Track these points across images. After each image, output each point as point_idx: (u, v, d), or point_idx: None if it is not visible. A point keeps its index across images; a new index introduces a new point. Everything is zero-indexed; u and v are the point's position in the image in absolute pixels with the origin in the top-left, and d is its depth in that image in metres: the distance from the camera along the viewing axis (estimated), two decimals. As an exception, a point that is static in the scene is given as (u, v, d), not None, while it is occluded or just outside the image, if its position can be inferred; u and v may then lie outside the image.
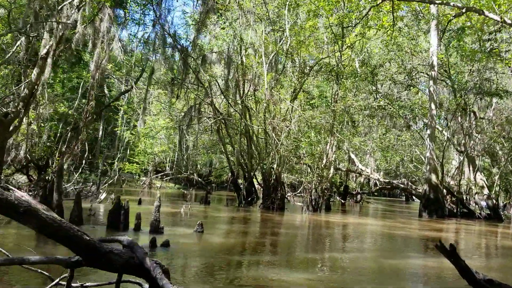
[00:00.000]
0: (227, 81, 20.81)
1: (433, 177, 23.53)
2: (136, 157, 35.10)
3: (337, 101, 19.59)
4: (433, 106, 23.80)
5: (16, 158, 18.53)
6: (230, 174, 36.66)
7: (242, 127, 21.04)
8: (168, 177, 32.75)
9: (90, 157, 17.92)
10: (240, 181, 24.79)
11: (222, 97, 21.66)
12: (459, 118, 26.37)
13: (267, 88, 18.81)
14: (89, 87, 17.66)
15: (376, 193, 47.21)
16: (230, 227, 12.32)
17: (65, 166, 16.22)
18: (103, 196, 15.38)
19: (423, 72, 26.50)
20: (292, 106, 18.88)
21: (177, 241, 8.18)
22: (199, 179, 33.63)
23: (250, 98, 22.17)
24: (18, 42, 16.58)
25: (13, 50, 16.46)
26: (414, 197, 60.28)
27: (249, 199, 21.20)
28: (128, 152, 33.35)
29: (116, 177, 24.87)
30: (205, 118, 22.58)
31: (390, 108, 26.33)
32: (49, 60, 15.83)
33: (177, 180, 40.38)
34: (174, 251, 7.32)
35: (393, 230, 14.47)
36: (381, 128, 32.26)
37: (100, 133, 21.62)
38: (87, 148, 18.74)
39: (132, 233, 8.75)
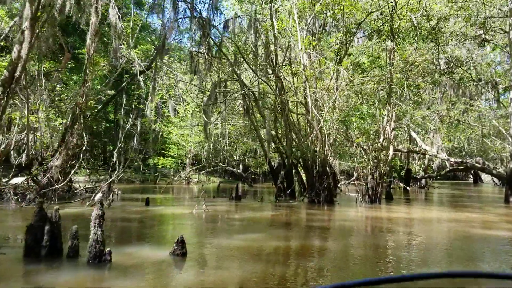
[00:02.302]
0: (255, 49, 17.03)
1: (523, 152, 18.56)
2: (171, 151, 32.26)
3: (393, 63, 15.27)
4: (518, 63, 18.77)
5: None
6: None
7: (276, 103, 17.26)
8: (204, 171, 29.59)
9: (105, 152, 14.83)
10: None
11: (252, 72, 17.91)
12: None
13: (301, 49, 14.84)
14: (85, 65, 14.58)
15: (439, 177, 41.77)
16: (242, 239, 7.90)
17: (57, 163, 13.22)
18: (98, 197, 12.15)
19: (497, 28, 21.27)
20: (337, 68, 14.79)
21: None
22: (239, 170, 30.17)
23: (285, 69, 18.29)
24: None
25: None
26: (483, 179, 54.28)
27: (290, 192, 17.42)
28: (157, 144, 30.63)
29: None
30: (233, 98, 18.97)
31: (461, 72, 21.42)
32: (27, 33, 12.85)
33: (222, 173, 37.30)
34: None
35: (488, 229, 10.16)
36: (447, 99, 27.20)
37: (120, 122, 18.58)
38: (94, 140, 15.69)
39: (58, 263, 5.34)
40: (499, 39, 22.63)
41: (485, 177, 54.96)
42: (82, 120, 14.37)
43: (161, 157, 32.06)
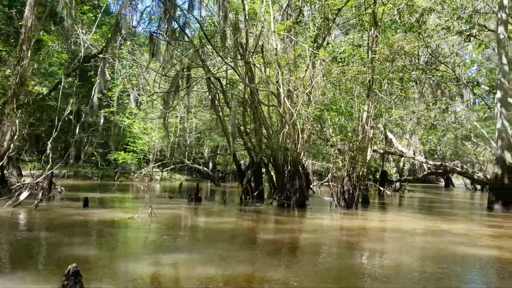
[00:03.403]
0: (223, 32, 15.10)
1: (508, 157, 17.31)
2: (133, 145, 29.90)
3: (375, 50, 13.63)
4: (504, 60, 17.47)
5: None
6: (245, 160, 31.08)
7: (246, 94, 15.44)
8: (168, 168, 27.41)
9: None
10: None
11: (219, 58, 15.97)
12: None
13: (274, 31, 13.02)
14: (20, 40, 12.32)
15: (411, 179, 40.88)
16: (168, 264, 5.70)
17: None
18: (23, 196, 10.00)
19: (481, 26, 20.02)
20: (313, 56, 13.03)
21: None
22: (205, 168, 28.11)
23: (256, 57, 16.48)
24: None
25: None
26: (454, 183, 54.01)
27: (258, 193, 15.61)
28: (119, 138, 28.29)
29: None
30: (197, 86, 17.02)
31: (443, 70, 20.10)
32: None
33: (189, 171, 35.15)
34: None
35: (471, 246, 8.52)
36: (426, 100, 26.00)
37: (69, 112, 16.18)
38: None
39: None
40: (483, 37, 21.47)
41: (456, 180, 54.80)
42: (15, 106, 12.14)
43: (122, 152, 29.66)
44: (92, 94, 13.11)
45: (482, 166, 26.10)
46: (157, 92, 15.99)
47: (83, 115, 15.61)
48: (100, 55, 16.19)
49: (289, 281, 5.02)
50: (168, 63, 17.00)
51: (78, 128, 13.62)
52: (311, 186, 27.39)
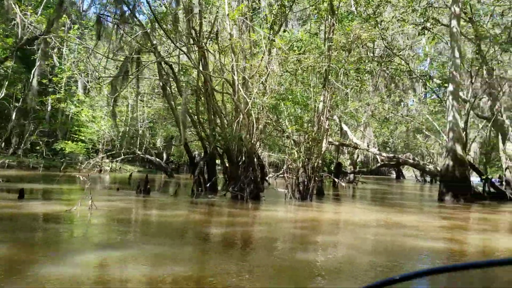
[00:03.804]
0: (175, 15, 14.30)
1: (458, 149, 17.67)
2: (81, 134, 28.36)
3: (332, 38, 13.32)
4: (456, 54, 17.74)
5: None
6: (199, 151, 30.31)
7: (199, 81, 14.76)
8: (119, 158, 26.21)
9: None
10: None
11: (171, 43, 15.15)
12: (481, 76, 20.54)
13: (228, 15, 12.41)
14: None
15: (365, 171, 41.63)
16: (87, 264, 4.97)
17: None
18: None
19: (435, 20, 20.27)
20: (270, 42, 12.54)
21: None
22: (158, 159, 27.10)
23: (211, 44, 15.84)
24: None
25: None
26: (405, 174, 55.70)
27: (211, 185, 15.03)
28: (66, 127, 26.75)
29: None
30: (148, 73, 16.14)
31: (398, 62, 20.23)
32: None
33: (142, 162, 33.89)
34: None
35: (421, 238, 8.42)
36: (380, 93, 26.25)
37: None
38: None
39: None
40: (436, 31, 21.79)
41: (406, 172, 56.55)
42: None
43: (69, 142, 28.06)
44: (31, 77, 11.98)
45: (433, 158, 26.76)
46: (104, 77, 14.97)
47: (21, 100, 14.37)
48: (43, 37, 15.01)
49: (241, 281, 4.52)
50: (117, 47, 16.02)
51: (15, 114, 12.46)
52: (267, 178, 27.12)
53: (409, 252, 6.72)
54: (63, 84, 28.73)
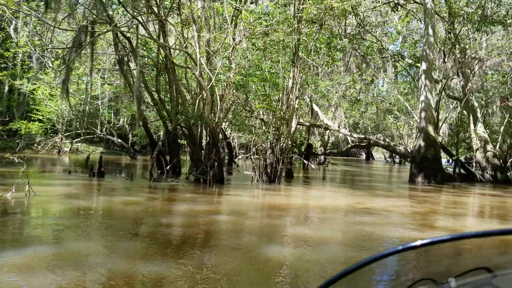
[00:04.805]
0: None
1: (430, 129, 17.28)
2: (38, 113, 26.61)
3: (303, 8, 12.38)
4: (430, 31, 17.18)
5: None
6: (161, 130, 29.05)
7: (160, 56, 13.61)
8: (79, 138, 24.75)
9: None
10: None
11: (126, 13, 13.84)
12: (453, 55, 20.09)
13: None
14: None
15: (335, 153, 41.39)
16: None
17: None
18: None
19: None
20: (236, 16, 11.50)
21: None
22: (119, 140, 25.72)
23: (172, 16, 14.63)
24: None
25: None
26: (374, 156, 56.05)
27: (172, 167, 14.05)
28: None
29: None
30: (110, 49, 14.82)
31: (370, 40, 19.50)
32: None
33: (107, 143, 32.34)
34: None
35: (389, 226, 7.81)
36: (351, 72, 25.60)
37: None
38: None
39: None
40: (409, 8, 21.15)
41: (376, 154, 56.90)
42: None
43: (26, 121, 26.31)
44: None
45: (403, 140, 26.50)
46: (54, 48, 13.59)
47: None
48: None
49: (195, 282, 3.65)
50: (70, 16, 14.60)
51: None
52: (236, 160, 26.27)
53: (379, 243, 6.03)
54: (19, 60, 26.88)
